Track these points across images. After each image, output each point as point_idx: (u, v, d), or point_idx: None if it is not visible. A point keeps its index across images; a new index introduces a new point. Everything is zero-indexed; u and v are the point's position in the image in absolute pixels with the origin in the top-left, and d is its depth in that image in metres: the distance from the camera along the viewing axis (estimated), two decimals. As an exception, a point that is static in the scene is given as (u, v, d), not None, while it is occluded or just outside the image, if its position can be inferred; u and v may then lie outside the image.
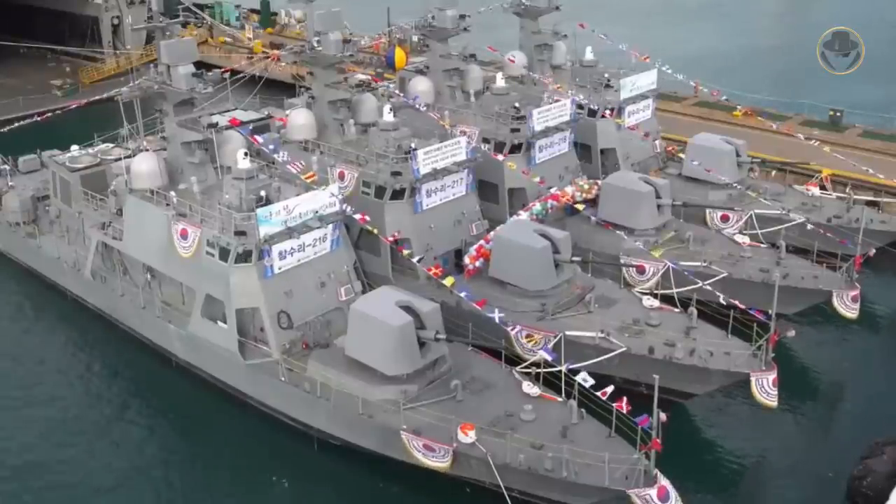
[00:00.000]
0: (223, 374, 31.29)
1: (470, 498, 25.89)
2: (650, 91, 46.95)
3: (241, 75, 42.46)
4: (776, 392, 27.42)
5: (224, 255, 29.93)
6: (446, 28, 44.10)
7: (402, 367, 27.03)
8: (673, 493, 22.67)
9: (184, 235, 31.23)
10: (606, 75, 45.17)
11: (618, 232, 35.26)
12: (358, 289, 32.00)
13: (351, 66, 52.52)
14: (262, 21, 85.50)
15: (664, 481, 22.75)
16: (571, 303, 32.08)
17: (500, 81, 42.51)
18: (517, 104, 40.33)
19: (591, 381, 24.28)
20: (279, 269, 30.12)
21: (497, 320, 27.04)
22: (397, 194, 34.62)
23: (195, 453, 29.38)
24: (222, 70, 36.40)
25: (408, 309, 27.33)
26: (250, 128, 34.75)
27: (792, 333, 28.26)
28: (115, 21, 71.74)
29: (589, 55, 48.51)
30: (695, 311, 30.47)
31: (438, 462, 25.01)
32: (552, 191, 38.32)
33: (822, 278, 33.87)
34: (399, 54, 37.73)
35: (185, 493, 27.67)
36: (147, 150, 34.78)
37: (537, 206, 37.83)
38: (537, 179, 37.34)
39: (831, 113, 55.17)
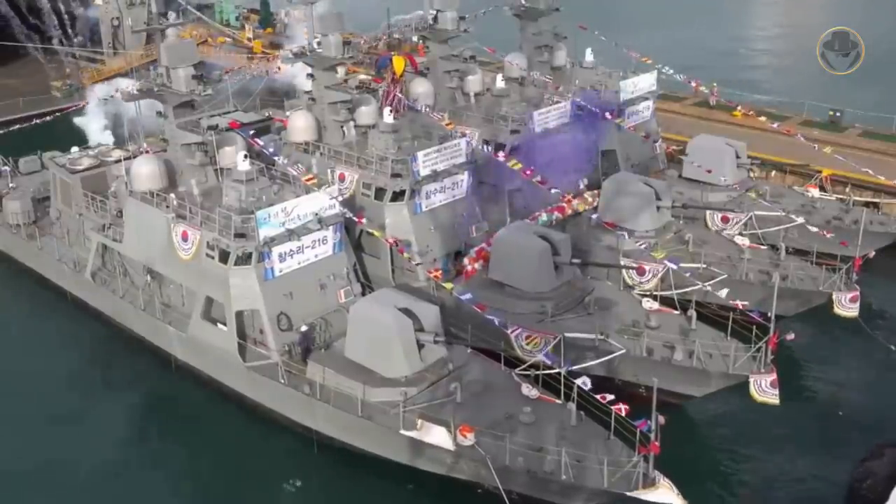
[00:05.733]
0: (223, 376, 31.34)
1: (471, 500, 25.89)
2: (650, 92, 47.03)
3: (241, 77, 42.58)
4: (776, 391, 27.45)
5: (224, 257, 29.99)
6: (446, 29, 44.16)
7: (401, 370, 27.11)
8: (675, 490, 22.73)
9: (185, 238, 31.30)
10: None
11: (617, 233, 35.27)
12: (357, 291, 32.07)
13: (352, 67, 52.40)
14: (262, 21, 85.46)
15: (666, 482, 22.81)
16: (571, 304, 32.10)
17: (499, 83, 42.54)
18: (505, 113, 40.46)
19: (590, 384, 24.32)
20: (280, 271, 30.20)
21: (496, 323, 27.07)
22: (397, 196, 34.68)
23: (194, 455, 29.42)
24: (223, 70, 36.50)
25: (407, 311, 27.41)
26: (251, 131, 34.77)
27: (792, 337, 28.21)
28: (115, 22, 71.72)
29: (589, 56, 48.53)
30: (694, 313, 30.50)
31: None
32: (554, 192, 38.27)
33: (821, 280, 33.90)
34: (398, 62, 37.83)
35: (184, 495, 27.76)
36: (147, 152, 34.86)
37: (543, 217, 37.84)
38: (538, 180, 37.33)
39: (831, 113, 55.14)
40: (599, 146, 44.01)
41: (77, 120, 45.57)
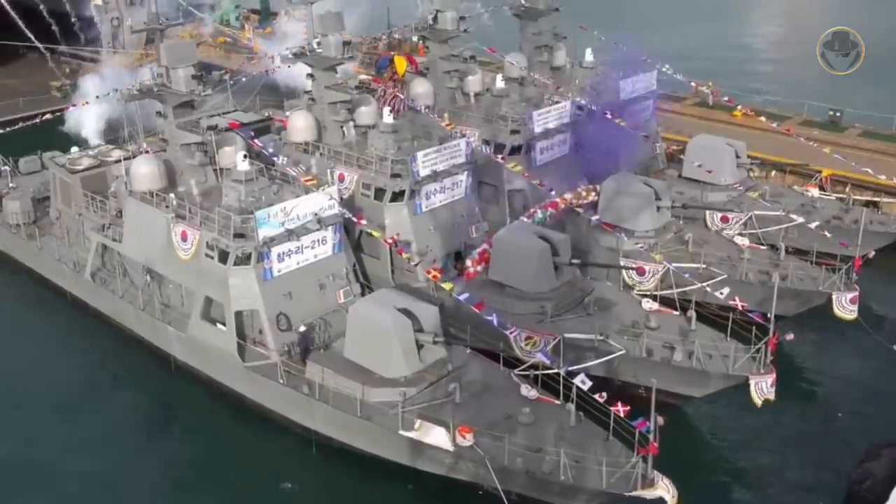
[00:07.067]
0: (222, 376, 31.34)
1: (471, 501, 25.89)
2: (650, 92, 46.97)
3: (242, 76, 42.56)
4: (773, 390, 27.45)
5: (223, 257, 29.99)
6: (446, 30, 44.14)
7: (400, 370, 27.10)
8: (673, 490, 22.74)
9: (184, 238, 31.30)
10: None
11: (617, 234, 35.26)
12: (357, 291, 32.07)
13: (357, 67, 52.37)
14: (262, 21, 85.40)
15: (665, 482, 22.81)
16: (570, 305, 32.08)
17: (499, 83, 42.53)
18: (505, 113, 40.49)
19: (588, 384, 24.31)
20: (278, 271, 30.19)
21: (495, 323, 27.06)
22: (397, 196, 34.68)
23: (193, 455, 29.40)
24: (223, 71, 36.49)
25: (406, 311, 27.41)
26: (251, 131, 34.80)
27: (791, 337, 28.18)
28: (115, 22, 71.72)
29: (589, 56, 48.49)
30: (694, 314, 30.48)
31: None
32: (554, 192, 38.34)
33: (821, 280, 33.89)
34: (399, 62, 37.96)
35: (182, 495, 27.73)
36: (147, 152, 34.86)
37: (538, 214, 37.82)
38: (537, 182, 37.35)
39: (831, 113, 55.13)
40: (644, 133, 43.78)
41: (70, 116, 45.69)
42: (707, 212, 39.77)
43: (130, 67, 57.97)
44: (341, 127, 37.30)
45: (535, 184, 35.88)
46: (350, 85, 38.95)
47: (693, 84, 47.68)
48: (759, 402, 27.57)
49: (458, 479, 25.80)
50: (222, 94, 38.24)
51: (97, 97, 42.15)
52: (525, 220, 37.22)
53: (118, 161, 36.58)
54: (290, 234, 30.04)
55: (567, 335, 28.98)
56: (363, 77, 48.99)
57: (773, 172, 46.26)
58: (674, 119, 54.10)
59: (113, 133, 42.40)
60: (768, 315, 27.39)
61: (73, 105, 43.86)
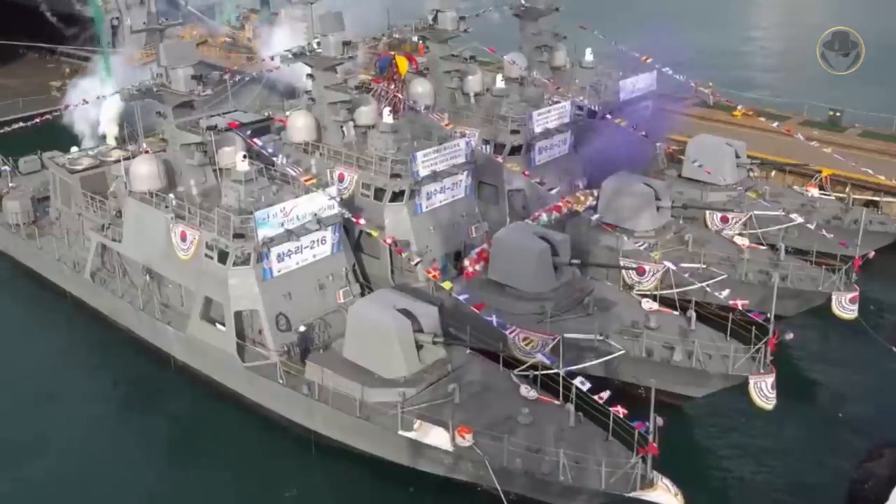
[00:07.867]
0: (222, 376, 31.33)
1: (470, 501, 25.87)
2: (650, 92, 46.95)
3: (242, 76, 42.58)
4: (774, 395, 27.43)
5: (223, 257, 29.98)
6: (446, 30, 44.13)
7: (400, 370, 27.08)
8: (673, 489, 22.72)
9: (183, 238, 31.30)
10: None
11: (617, 234, 35.24)
12: (356, 291, 32.07)
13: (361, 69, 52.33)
14: (263, 20, 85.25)
15: (664, 483, 22.79)
16: (570, 305, 32.05)
17: (499, 83, 42.54)
18: (504, 113, 40.49)
19: (587, 385, 24.29)
20: (278, 271, 30.18)
21: (495, 323, 27.04)
22: (397, 196, 34.66)
23: (193, 455, 29.40)
24: (223, 70, 36.47)
25: (406, 312, 27.39)
26: (248, 131, 34.77)
27: (790, 336, 28.18)
28: (115, 22, 71.73)
29: (588, 56, 48.49)
30: (694, 314, 30.46)
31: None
32: (554, 192, 38.36)
33: (821, 280, 33.87)
34: (401, 62, 38.09)
35: (182, 495, 27.70)
36: (147, 152, 34.85)
37: (543, 217, 37.80)
38: (537, 181, 37.34)
39: (831, 113, 55.13)
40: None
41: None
42: (707, 212, 39.80)
43: (136, 66, 57.87)
44: (341, 127, 37.27)
45: (536, 182, 35.85)
46: (350, 84, 38.93)
47: (693, 84, 47.64)
48: (768, 406, 27.47)
49: (458, 480, 25.78)
50: (253, 91, 38.07)
51: (96, 98, 42.09)
52: (529, 223, 37.22)
53: (118, 161, 36.58)
54: (290, 235, 30.03)
55: (567, 335, 28.95)
56: (363, 77, 49.03)
57: (773, 172, 46.23)
58: (673, 119, 54.01)
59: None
60: (768, 315, 27.36)
61: (75, 105, 43.81)
